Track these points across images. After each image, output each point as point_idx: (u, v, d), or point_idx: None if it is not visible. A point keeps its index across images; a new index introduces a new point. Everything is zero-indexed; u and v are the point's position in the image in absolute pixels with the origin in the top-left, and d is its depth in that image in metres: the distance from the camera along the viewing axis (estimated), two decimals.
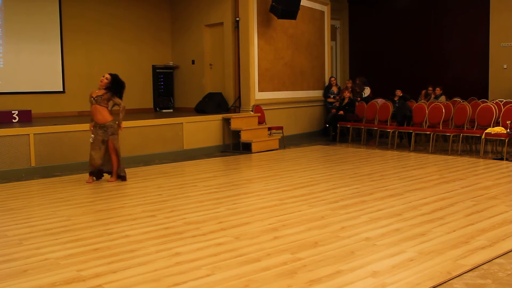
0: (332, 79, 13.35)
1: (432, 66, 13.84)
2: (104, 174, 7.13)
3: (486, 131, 9.06)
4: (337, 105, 12.34)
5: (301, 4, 11.41)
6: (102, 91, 6.86)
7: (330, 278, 3.38)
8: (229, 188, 6.62)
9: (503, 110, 9.35)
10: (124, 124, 8.88)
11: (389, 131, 10.64)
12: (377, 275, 3.43)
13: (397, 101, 11.31)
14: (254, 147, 10.15)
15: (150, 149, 9.30)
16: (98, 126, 6.88)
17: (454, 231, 4.45)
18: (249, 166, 8.84)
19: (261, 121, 11.17)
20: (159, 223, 4.86)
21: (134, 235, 4.46)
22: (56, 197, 6.16)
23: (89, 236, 4.45)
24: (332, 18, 14.09)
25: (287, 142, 11.38)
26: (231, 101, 11.51)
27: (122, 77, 7.06)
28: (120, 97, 6.96)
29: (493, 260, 3.72)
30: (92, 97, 6.89)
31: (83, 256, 3.90)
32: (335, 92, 13.05)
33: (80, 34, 11.49)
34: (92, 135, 6.90)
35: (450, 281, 3.34)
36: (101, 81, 6.87)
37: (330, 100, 12.99)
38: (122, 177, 7.11)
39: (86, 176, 7.53)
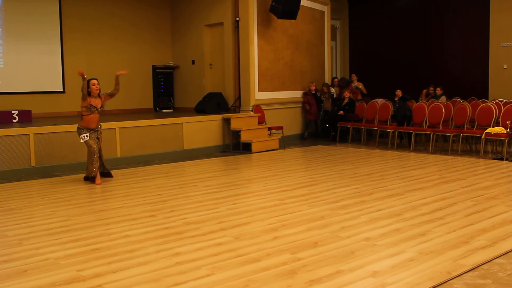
0: (335, 80, 13.31)
1: (432, 66, 13.84)
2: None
3: (486, 131, 9.06)
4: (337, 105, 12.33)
5: (301, 4, 11.40)
6: (99, 100, 6.96)
7: (330, 278, 3.38)
8: (229, 188, 6.62)
9: (503, 110, 9.35)
10: (124, 124, 8.97)
11: (389, 131, 10.64)
12: (377, 275, 3.43)
13: (397, 101, 11.31)
14: (254, 147, 10.15)
15: (150, 149, 9.30)
16: (88, 131, 6.94)
17: (454, 231, 4.45)
18: (249, 166, 8.84)
19: (261, 121, 11.17)
20: (159, 223, 4.86)
21: (134, 235, 4.46)
22: (56, 197, 6.16)
23: (89, 236, 4.45)
24: (332, 18, 14.09)
25: (287, 142, 11.38)
26: (231, 101, 11.51)
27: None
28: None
29: (493, 260, 3.72)
30: (96, 107, 6.91)
31: (83, 256, 3.90)
32: (337, 92, 13.04)
33: (80, 34, 11.49)
34: (86, 134, 6.88)
35: (450, 281, 3.34)
36: (96, 89, 6.90)
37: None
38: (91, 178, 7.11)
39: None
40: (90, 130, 6.94)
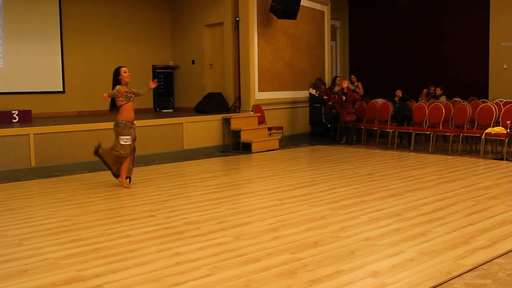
0: (338, 79, 13.29)
1: (432, 66, 13.84)
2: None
3: (486, 131, 9.06)
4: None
5: (301, 4, 11.40)
6: (131, 89, 6.57)
7: (330, 278, 3.38)
8: (229, 188, 6.62)
9: (503, 110, 9.35)
10: None
11: (389, 131, 10.64)
12: (377, 275, 3.43)
13: (397, 101, 11.30)
14: (254, 147, 10.15)
15: (150, 149, 9.30)
16: (130, 125, 6.53)
17: (454, 231, 4.45)
18: (249, 166, 8.84)
19: (261, 121, 11.17)
20: (159, 223, 4.86)
21: (134, 235, 4.46)
22: (56, 197, 6.16)
23: (89, 236, 4.45)
24: (332, 18, 14.08)
25: (287, 142, 11.38)
26: (231, 101, 11.51)
27: None
28: None
29: (493, 260, 3.72)
30: (131, 93, 6.47)
31: (83, 256, 3.90)
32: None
33: (80, 34, 11.49)
34: (128, 137, 6.47)
35: (450, 281, 3.34)
36: (127, 76, 6.46)
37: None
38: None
39: (85, 176, 7.56)
40: (129, 123, 6.48)
